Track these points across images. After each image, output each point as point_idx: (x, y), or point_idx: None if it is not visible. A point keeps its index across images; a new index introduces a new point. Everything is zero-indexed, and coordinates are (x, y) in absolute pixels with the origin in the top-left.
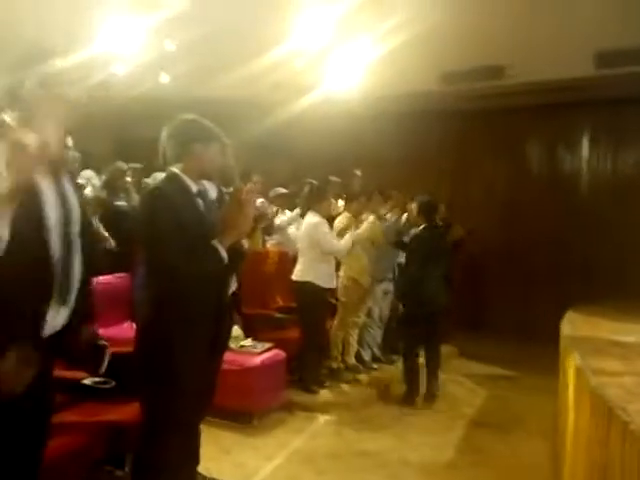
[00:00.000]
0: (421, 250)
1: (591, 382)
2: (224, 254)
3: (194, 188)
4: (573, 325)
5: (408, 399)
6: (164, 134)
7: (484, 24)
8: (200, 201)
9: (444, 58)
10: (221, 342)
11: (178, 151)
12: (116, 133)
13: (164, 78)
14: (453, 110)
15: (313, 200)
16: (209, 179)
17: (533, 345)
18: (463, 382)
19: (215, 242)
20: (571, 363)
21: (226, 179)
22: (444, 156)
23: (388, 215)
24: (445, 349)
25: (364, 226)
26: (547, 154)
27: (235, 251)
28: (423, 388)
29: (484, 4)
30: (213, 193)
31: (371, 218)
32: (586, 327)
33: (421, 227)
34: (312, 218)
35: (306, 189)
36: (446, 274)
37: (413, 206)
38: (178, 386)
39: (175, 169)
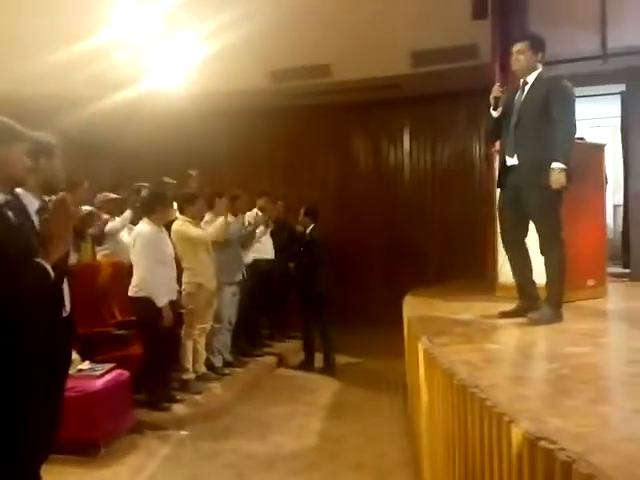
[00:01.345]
0: (318, 244)
1: (441, 362)
2: (50, 271)
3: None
4: (414, 308)
5: (307, 366)
6: None
7: (310, 25)
8: (9, 212)
9: (272, 57)
10: (58, 370)
11: None
12: None
13: None
14: (283, 107)
15: (149, 207)
16: (19, 186)
17: (374, 331)
18: (313, 375)
19: (39, 259)
20: (418, 345)
21: (51, 186)
22: (276, 153)
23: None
24: (292, 344)
25: (212, 228)
26: (373, 148)
27: (59, 267)
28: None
29: (308, 6)
30: (33, 202)
31: (220, 220)
32: (426, 309)
33: (311, 227)
34: (144, 227)
35: (144, 193)
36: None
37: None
38: (13, 422)
39: None
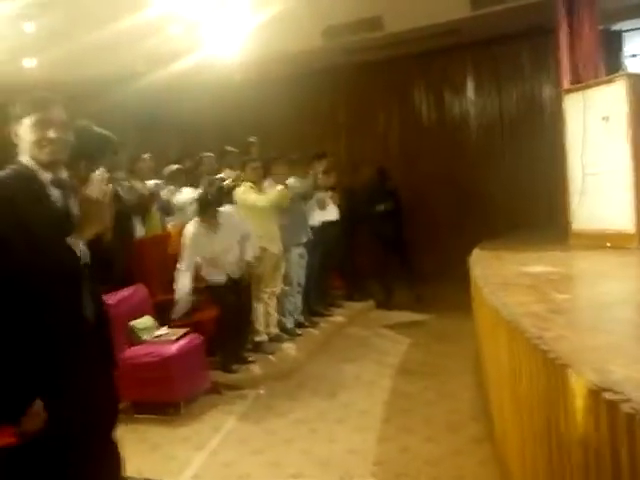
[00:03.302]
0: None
1: (505, 315)
2: (78, 251)
3: (47, 176)
4: (481, 261)
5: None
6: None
7: None
8: (56, 191)
9: (322, 13)
10: (102, 354)
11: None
12: None
13: (27, 63)
14: (339, 66)
15: (199, 209)
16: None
17: (443, 286)
18: (385, 333)
19: (70, 239)
20: (483, 299)
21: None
22: (336, 113)
23: (291, 180)
24: (363, 303)
25: (272, 195)
26: (435, 100)
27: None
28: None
29: None
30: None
31: (279, 187)
32: (494, 262)
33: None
34: (189, 228)
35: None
36: None
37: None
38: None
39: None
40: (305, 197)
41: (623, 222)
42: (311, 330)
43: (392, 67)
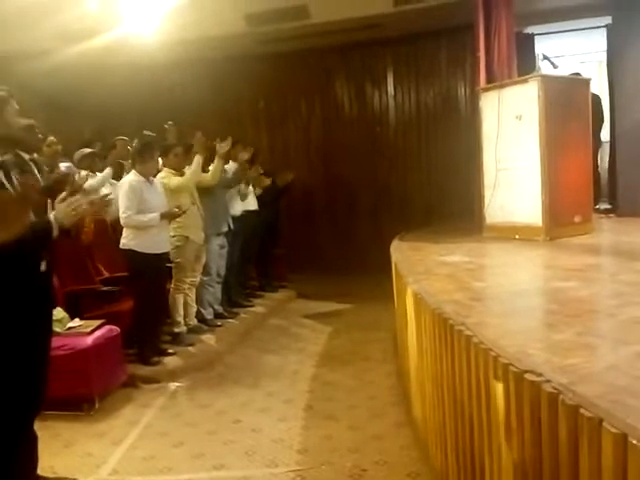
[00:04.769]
0: None
1: (428, 302)
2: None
3: None
4: (401, 252)
5: None
6: None
7: None
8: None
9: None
10: (42, 327)
11: None
12: None
13: None
14: (262, 54)
15: (137, 158)
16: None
17: (363, 277)
18: (306, 323)
19: None
20: (406, 287)
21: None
22: (258, 101)
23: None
24: (283, 293)
25: (189, 171)
26: (356, 92)
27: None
28: None
29: None
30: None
31: (196, 159)
32: (413, 252)
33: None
34: (129, 177)
35: (135, 144)
36: None
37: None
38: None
39: None
40: (230, 185)
41: (531, 215)
42: (231, 321)
43: (315, 57)
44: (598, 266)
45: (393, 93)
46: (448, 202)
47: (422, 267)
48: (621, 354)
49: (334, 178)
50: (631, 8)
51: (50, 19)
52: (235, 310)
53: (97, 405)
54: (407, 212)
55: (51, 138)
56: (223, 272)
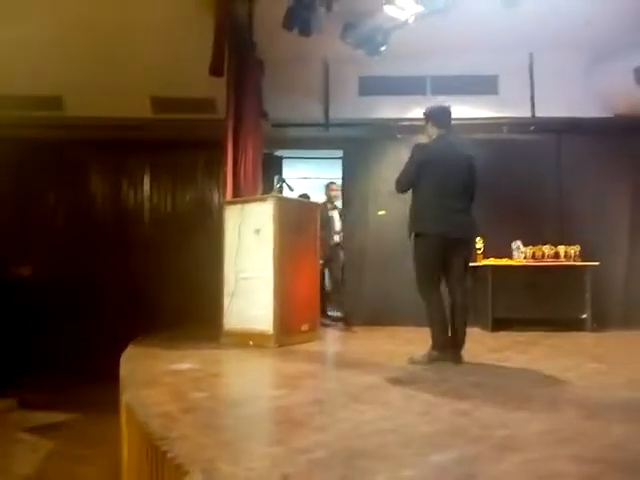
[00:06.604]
0: None
1: (138, 416)
2: None
3: None
4: (132, 359)
5: None
6: None
7: (41, 54)
8: None
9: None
10: None
11: None
12: None
13: None
14: (11, 137)
15: None
16: None
17: (96, 385)
18: (22, 438)
19: None
20: (123, 399)
21: None
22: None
23: None
24: (2, 404)
25: None
26: (111, 189)
27: None
28: None
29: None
30: None
31: None
32: (144, 360)
33: None
34: None
35: None
36: None
37: None
38: None
39: None
40: None
41: (263, 322)
42: None
43: (69, 149)
44: (312, 373)
45: (149, 194)
46: (201, 305)
47: (147, 376)
48: (301, 461)
49: (81, 273)
50: (357, 144)
51: None
52: None
53: None
54: (157, 313)
55: None
56: None
